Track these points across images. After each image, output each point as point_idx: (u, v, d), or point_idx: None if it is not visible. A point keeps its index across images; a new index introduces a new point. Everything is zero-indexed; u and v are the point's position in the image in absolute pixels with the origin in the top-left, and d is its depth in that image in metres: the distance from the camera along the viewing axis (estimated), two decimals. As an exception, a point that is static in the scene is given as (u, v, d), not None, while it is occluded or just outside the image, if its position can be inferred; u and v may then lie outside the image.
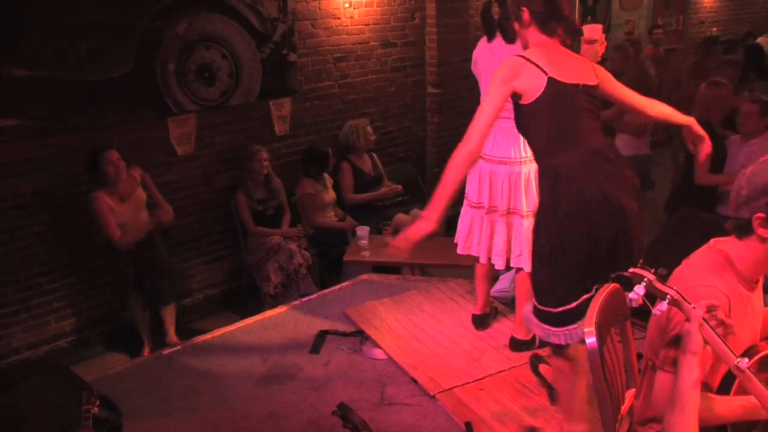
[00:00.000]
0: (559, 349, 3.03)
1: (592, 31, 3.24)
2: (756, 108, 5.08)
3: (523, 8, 2.82)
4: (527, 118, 2.84)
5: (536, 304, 2.97)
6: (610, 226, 2.75)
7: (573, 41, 2.92)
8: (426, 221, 2.76)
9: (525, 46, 2.91)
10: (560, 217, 2.78)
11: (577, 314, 2.82)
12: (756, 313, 2.34)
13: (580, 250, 2.78)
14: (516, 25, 2.91)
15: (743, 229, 2.22)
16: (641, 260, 2.17)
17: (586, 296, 2.79)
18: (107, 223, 4.69)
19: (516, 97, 2.80)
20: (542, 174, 2.91)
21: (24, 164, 4.69)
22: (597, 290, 2.62)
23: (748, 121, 5.12)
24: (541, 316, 2.95)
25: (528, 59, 2.76)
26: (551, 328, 2.92)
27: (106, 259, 5.01)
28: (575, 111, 2.79)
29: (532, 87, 2.74)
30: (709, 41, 9.37)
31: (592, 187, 2.74)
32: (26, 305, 4.90)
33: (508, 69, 2.77)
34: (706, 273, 2.25)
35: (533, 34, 2.85)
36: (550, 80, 2.72)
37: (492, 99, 2.77)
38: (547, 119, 2.78)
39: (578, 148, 2.78)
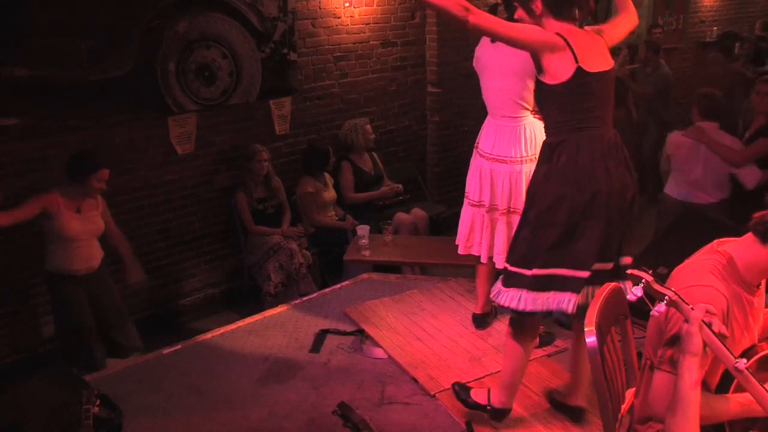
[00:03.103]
0: (519, 321, 3.11)
1: None
2: None
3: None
4: (547, 96, 2.90)
5: (515, 268, 3.03)
6: (595, 205, 2.84)
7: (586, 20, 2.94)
8: None
9: None
10: (551, 181, 2.88)
11: (556, 283, 2.93)
12: (756, 314, 2.34)
13: (563, 215, 2.87)
14: (526, 17, 2.91)
15: None
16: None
17: (565, 271, 2.92)
18: (23, 207, 4.16)
19: (539, 70, 2.85)
20: (545, 146, 3.00)
21: (24, 164, 4.69)
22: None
23: None
24: (517, 280, 3.01)
25: (566, 40, 2.78)
26: (525, 293, 2.99)
27: (53, 296, 4.49)
28: (594, 99, 2.87)
29: (561, 70, 2.80)
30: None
31: (589, 163, 2.84)
32: (26, 305, 4.90)
33: (550, 38, 2.79)
34: (707, 273, 2.25)
35: (548, 23, 2.86)
36: (579, 70, 2.78)
37: (520, 27, 2.81)
38: (566, 104, 2.85)
39: (587, 132, 2.86)
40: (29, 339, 4.96)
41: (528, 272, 2.98)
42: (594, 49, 2.87)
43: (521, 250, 3.03)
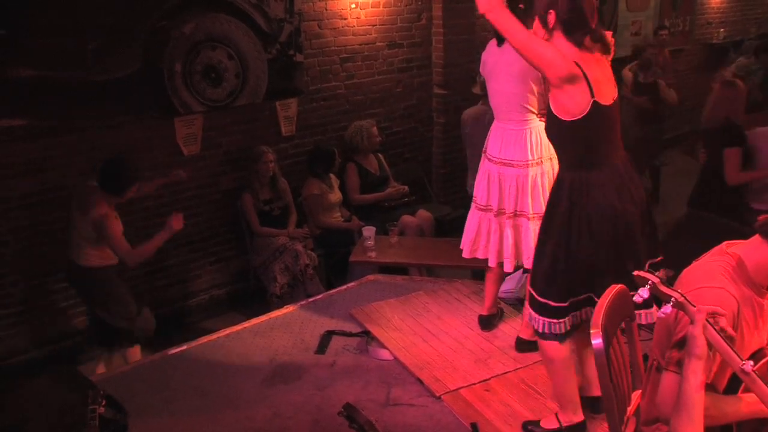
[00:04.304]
0: (554, 338, 3.10)
1: None
2: None
3: (550, 11, 2.80)
4: (564, 133, 2.89)
5: (543, 298, 3.05)
6: (614, 238, 2.88)
7: (603, 53, 2.91)
8: None
9: None
10: (574, 223, 2.90)
11: (577, 304, 3.01)
12: (765, 318, 2.33)
13: (585, 254, 2.90)
14: (542, 30, 2.87)
15: None
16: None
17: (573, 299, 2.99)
18: (119, 235, 4.37)
19: (555, 102, 2.84)
20: (563, 180, 2.99)
21: (30, 164, 4.70)
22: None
23: None
24: (545, 310, 3.04)
25: (582, 71, 2.75)
26: (555, 321, 3.04)
27: (103, 287, 4.52)
28: (608, 131, 2.87)
29: (576, 105, 2.78)
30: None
31: (607, 201, 2.87)
32: (32, 305, 4.91)
33: (568, 69, 2.74)
34: (717, 275, 2.24)
35: (559, 41, 2.82)
36: (595, 104, 2.76)
37: (539, 44, 2.79)
38: (583, 139, 2.85)
39: (603, 165, 2.88)
40: (35, 339, 4.97)
41: (553, 303, 3.01)
42: (605, 78, 2.86)
43: (544, 280, 3.05)
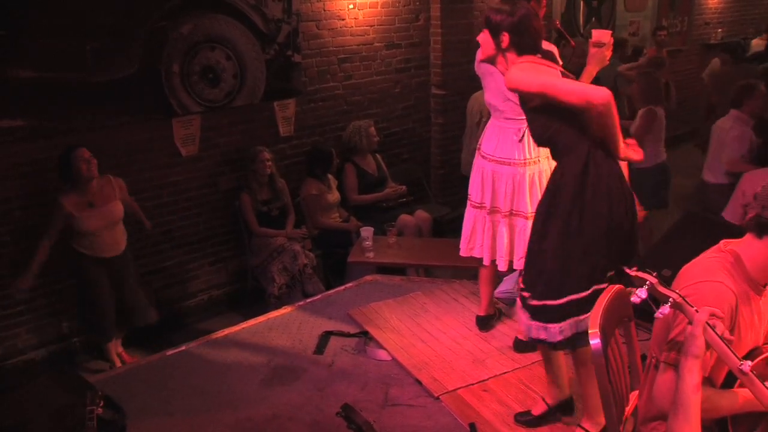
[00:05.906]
0: (574, 346, 3.05)
1: (601, 34, 3.23)
2: None
3: (504, 33, 2.88)
4: (557, 118, 2.87)
5: (536, 302, 2.99)
6: (624, 216, 2.87)
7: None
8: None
9: (496, 63, 3.01)
10: (586, 199, 2.84)
11: (585, 304, 2.86)
12: (762, 316, 2.34)
13: (598, 232, 2.85)
14: (491, 44, 2.96)
15: (766, 228, 2.21)
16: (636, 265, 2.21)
17: (597, 286, 2.87)
18: (53, 226, 4.52)
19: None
20: (567, 164, 2.93)
21: (30, 165, 4.70)
22: (607, 281, 2.80)
23: None
24: (543, 314, 2.97)
25: (543, 62, 2.85)
26: (552, 325, 2.96)
27: (78, 273, 4.77)
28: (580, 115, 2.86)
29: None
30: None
31: (613, 179, 2.86)
32: (31, 306, 4.91)
33: (536, 68, 2.84)
34: (716, 271, 2.25)
35: (511, 57, 2.92)
36: (564, 74, 2.84)
37: (554, 79, 2.82)
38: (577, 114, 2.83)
39: (591, 144, 2.86)
40: (35, 341, 4.97)
41: (554, 302, 2.95)
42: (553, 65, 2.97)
43: (549, 282, 2.97)
